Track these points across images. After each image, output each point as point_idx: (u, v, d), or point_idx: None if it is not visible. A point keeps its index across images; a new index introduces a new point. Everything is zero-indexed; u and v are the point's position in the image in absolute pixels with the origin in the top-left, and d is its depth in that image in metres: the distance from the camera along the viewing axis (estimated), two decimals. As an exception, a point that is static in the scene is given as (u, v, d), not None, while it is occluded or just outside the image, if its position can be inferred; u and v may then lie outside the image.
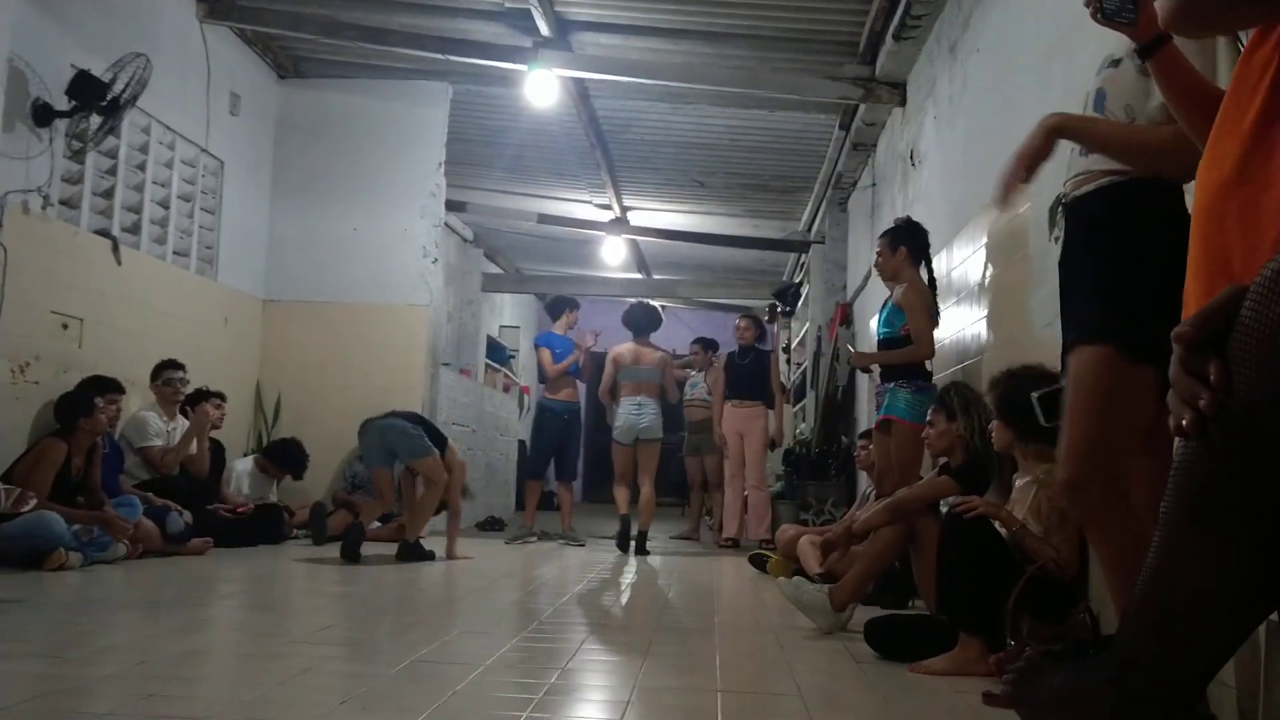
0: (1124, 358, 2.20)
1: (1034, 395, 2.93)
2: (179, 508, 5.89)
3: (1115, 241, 2.29)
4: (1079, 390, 2.29)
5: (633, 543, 7.43)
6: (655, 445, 7.96)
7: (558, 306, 8.88)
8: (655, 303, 15.42)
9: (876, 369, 5.67)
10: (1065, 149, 2.61)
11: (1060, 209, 2.50)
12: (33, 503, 4.53)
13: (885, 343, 5.22)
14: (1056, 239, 2.53)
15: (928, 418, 4.40)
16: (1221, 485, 1.29)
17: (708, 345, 9.50)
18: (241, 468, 6.99)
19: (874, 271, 8.10)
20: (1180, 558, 1.34)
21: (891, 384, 5.09)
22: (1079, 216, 2.43)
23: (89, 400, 5.43)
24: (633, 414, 7.92)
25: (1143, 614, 1.39)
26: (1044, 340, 3.80)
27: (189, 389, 6.52)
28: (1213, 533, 1.30)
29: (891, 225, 5.50)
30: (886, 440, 5.15)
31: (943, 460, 4.16)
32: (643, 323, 8.21)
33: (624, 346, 8.17)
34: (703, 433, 9.13)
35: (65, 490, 5.23)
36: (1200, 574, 1.31)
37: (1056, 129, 2.37)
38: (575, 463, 8.85)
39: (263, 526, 6.71)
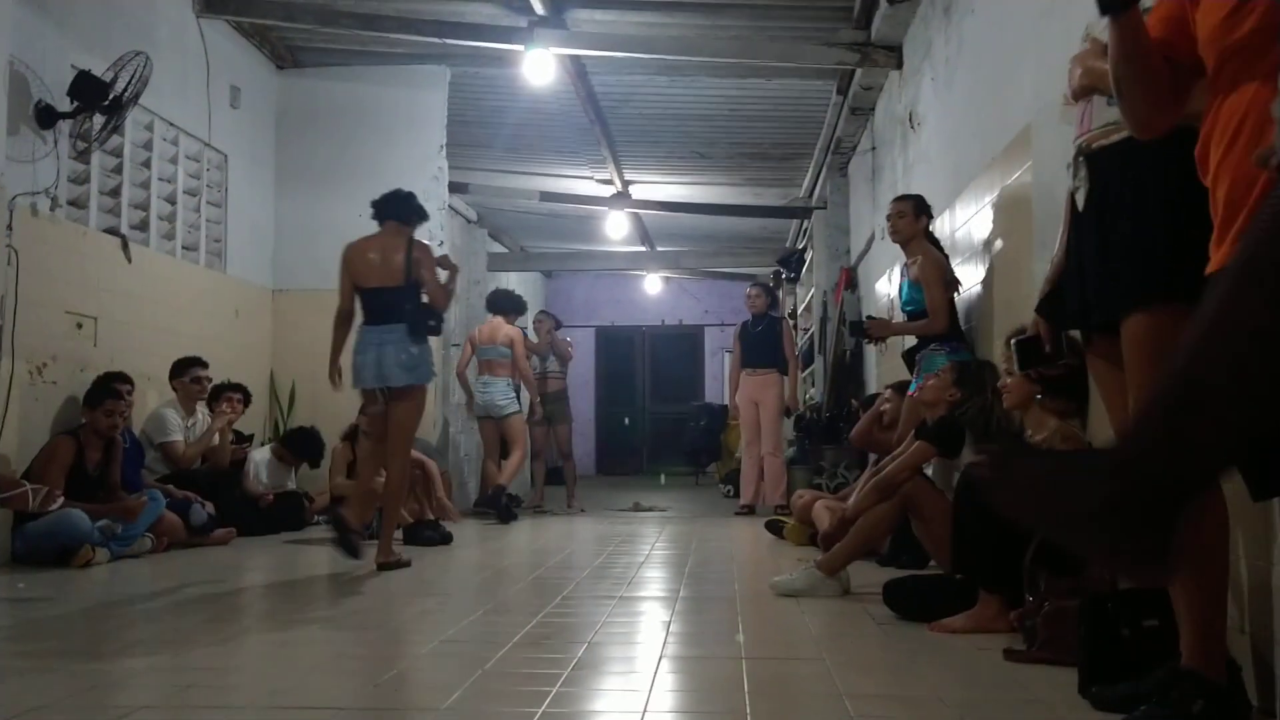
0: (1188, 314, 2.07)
1: (1012, 341, 2.94)
2: (201, 500, 5.97)
3: (1163, 191, 2.16)
4: (1153, 355, 2.12)
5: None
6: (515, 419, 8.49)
7: (509, 306, 8.89)
8: (659, 274, 15.70)
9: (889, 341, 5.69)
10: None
11: (1081, 159, 2.35)
12: (60, 501, 4.59)
13: (913, 316, 5.16)
14: (1076, 189, 2.39)
15: (939, 368, 4.45)
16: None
17: (549, 316, 9.92)
18: (259, 457, 7.05)
19: (880, 232, 8.11)
20: (1229, 321, 1.30)
21: (926, 349, 5.04)
22: (1111, 166, 2.28)
23: (96, 395, 5.50)
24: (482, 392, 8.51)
25: (1168, 394, 1.35)
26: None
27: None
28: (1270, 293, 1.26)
29: (911, 193, 5.46)
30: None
31: (923, 420, 4.27)
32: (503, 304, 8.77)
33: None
34: (555, 403, 9.31)
35: (85, 487, 5.29)
36: (1248, 334, 1.27)
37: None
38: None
39: (284, 514, 6.80)
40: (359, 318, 5.12)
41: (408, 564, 4.94)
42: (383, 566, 4.81)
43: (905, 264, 5.25)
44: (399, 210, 5.19)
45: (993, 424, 3.93)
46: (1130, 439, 1.43)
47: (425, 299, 5.03)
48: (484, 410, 8.48)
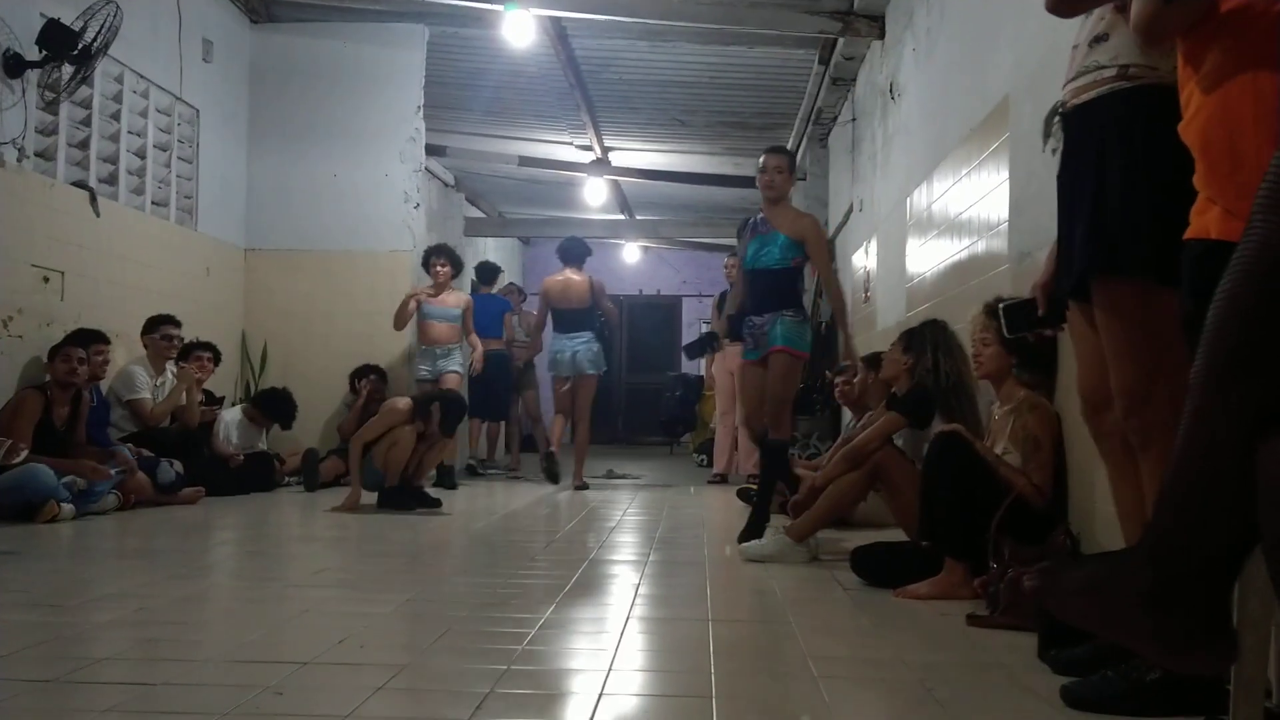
0: (1156, 286, 2.06)
1: (1000, 305, 2.92)
2: (169, 458, 5.92)
3: (1129, 155, 2.10)
4: (1121, 327, 2.13)
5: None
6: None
7: (491, 272, 9.86)
8: (638, 244, 15.64)
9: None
10: (1065, 53, 2.53)
11: (1058, 118, 2.31)
12: (24, 454, 4.53)
13: (773, 273, 4.79)
14: (1054, 151, 2.30)
15: (890, 343, 4.54)
16: (1249, 341, 1.29)
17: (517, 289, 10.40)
18: (230, 418, 7.00)
19: (860, 204, 8.11)
20: (1208, 420, 1.32)
21: (775, 314, 4.71)
22: (1085, 125, 2.22)
23: (57, 346, 5.45)
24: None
25: (1175, 488, 1.37)
26: (1022, 272, 3.84)
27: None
28: (1241, 389, 1.29)
29: (783, 147, 5.38)
30: (762, 373, 4.93)
31: (892, 391, 4.33)
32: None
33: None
34: (527, 370, 9.43)
35: (51, 442, 5.24)
36: (1228, 432, 1.30)
37: None
38: (502, 403, 9.27)
39: (254, 475, 6.76)
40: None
41: (586, 487, 7.47)
42: (578, 488, 7.39)
43: (763, 219, 4.96)
44: (577, 256, 7.76)
45: (942, 379, 3.96)
46: (1153, 525, 1.42)
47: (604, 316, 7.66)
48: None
